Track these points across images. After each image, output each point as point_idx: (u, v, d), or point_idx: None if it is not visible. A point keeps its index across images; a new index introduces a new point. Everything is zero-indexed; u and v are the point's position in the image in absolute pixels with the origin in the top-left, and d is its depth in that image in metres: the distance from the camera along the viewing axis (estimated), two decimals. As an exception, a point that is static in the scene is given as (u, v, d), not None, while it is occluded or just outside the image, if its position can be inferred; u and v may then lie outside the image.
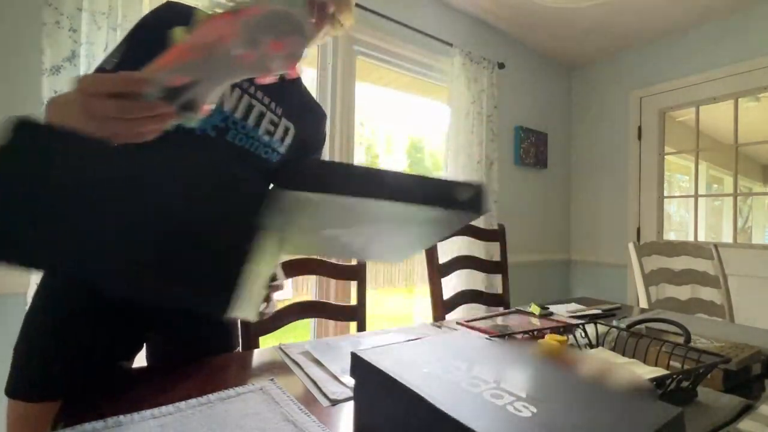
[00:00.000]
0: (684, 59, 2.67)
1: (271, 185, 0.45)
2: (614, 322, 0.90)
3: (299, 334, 4.02)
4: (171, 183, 0.62)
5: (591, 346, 0.77)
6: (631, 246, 1.70)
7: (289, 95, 0.83)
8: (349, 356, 0.77)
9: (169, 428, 0.48)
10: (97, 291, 0.67)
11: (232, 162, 0.75)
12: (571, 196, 3.31)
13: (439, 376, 0.43)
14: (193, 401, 0.55)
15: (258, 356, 0.78)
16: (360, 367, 0.48)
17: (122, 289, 0.63)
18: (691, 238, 2.67)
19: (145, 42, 0.63)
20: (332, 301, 1.44)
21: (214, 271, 0.67)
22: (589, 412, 0.36)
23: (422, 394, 0.38)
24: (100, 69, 0.64)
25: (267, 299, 0.64)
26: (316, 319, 1.93)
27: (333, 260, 1.22)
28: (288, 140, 0.82)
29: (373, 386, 0.46)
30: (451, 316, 1.31)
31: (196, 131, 0.67)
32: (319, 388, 0.62)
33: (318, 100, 2.28)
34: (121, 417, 0.50)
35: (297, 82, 0.87)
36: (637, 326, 0.87)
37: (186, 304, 0.66)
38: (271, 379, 0.64)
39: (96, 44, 1.33)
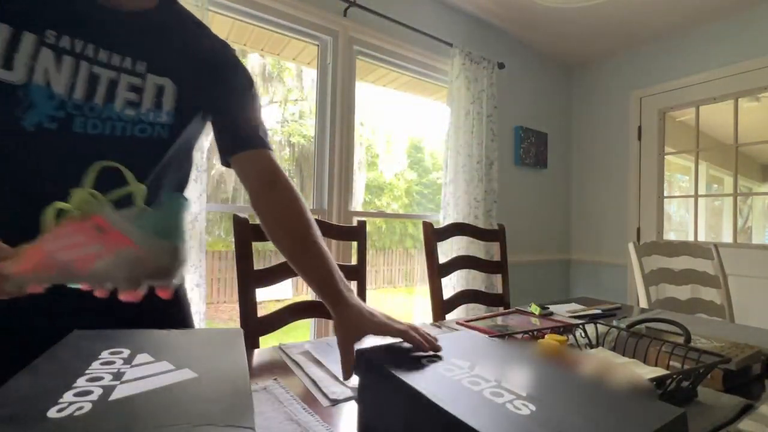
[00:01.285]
0: (684, 59, 2.67)
1: None
2: (614, 322, 0.90)
3: (299, 334, 4.03)
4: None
5: (591, 346, 0.77)
6: (631, 246, 1.70)
7: (157, 38, 0.61)
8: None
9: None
10: None
11: (90, 160, 0.56)
12: (571, 196, 3.31)
13: (441, 374, 0.44)
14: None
15: (258, 356, 0.78)
16: (365, 365, 0.48)
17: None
18: (691, 238, 2.67)
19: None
20: (332, 300, 1.44)
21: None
22: (589, 411, 0.36)
23: (423, 392, 0.38)
24: None
25: None
26: (316, 319, 1.93)
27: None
28: (169, 103, 0.60)
29: (377, 384, 0.46)
30: (451, 316, 1.31)
31: (27, 128, 0.51)
32: (320, 388, 0.62)
33: (318, 100, 2.27)
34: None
35: (172, 16, 0.64)
36: (638, 326, 0.87)
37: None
38: (275, 379, 0.64)
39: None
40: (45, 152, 0.53)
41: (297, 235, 0.65)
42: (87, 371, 0.38)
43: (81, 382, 0.35)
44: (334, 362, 0.73)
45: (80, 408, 0.31)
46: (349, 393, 0.60)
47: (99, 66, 0.55)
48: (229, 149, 0.69)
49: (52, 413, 0.29)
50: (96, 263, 0.36)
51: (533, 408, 0.36)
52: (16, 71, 0.50)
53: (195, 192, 1.51)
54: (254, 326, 0.98)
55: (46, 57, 0.52)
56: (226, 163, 0.71)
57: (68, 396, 0.32)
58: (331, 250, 2.00)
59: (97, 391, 0.34)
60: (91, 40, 0.55)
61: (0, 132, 0.52)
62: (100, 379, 0.36)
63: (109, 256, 0.36)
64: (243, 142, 0.69)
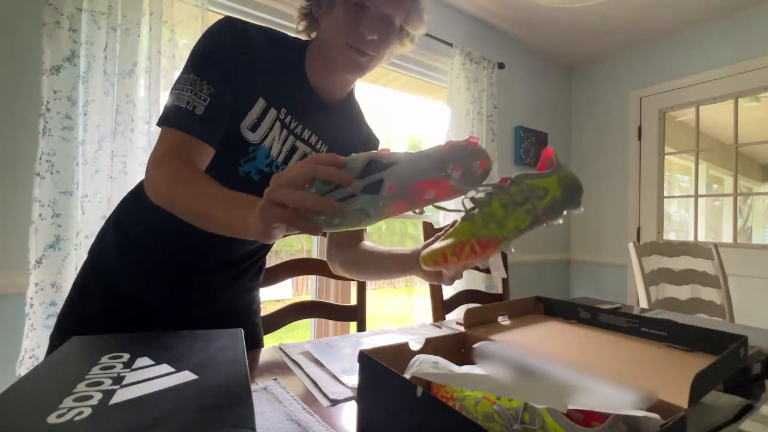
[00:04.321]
0: (684, 59, 2.67)
1: None
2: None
3: (299, 334, 4.03)
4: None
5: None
6: (631, 246, 1.70)
7: (338, 128, 0.77)
8: (349, 356, 0.77)
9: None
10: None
11: None
12: (571, 196, 3.31)
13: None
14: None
15: (258, 356, 0.78)
16: (367, 366, 0.48)
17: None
18: (691, 238, 2.67)
19: (224, 73, 0.62)
20: (332, 301, 1.44)
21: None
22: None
23: (424, 390, 0.38)
24: (178, 108, 0.59)
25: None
26: (316, 319, 1.93)
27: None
28: None
29: (377, 384, 0.46)
30: (451, 316, 1.31)
31: (240, 172, 0.66)
32: (319, 388, 0.62)
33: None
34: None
35: (350, 112, 0.81)
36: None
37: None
38: (275, 379, 0.64)
39: (96, 44, 1.33)
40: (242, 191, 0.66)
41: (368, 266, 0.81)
42: (87, 376, 0.37)
43: (81, 387, 0.35)
44: (334, 362, 0.73)
45: (80, 413, 0.31)
46: (349, 393, 0.60)
47: (300, 141, 0.71)
48: None
49: (52, 419, 0.29)
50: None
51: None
52: (257, 134, 0.66)
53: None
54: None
55: (276, 129, 0.67)
56: None
57: (68, 401, 0.32)
58: (331, 250, 2.00)
59: (97, 396, 0.34)
60: (301, 121, 0.70)
61: (222, 171, 0.65)
62: (100, 383, 0.36)
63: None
64: None
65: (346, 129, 0.78)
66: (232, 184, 0.64)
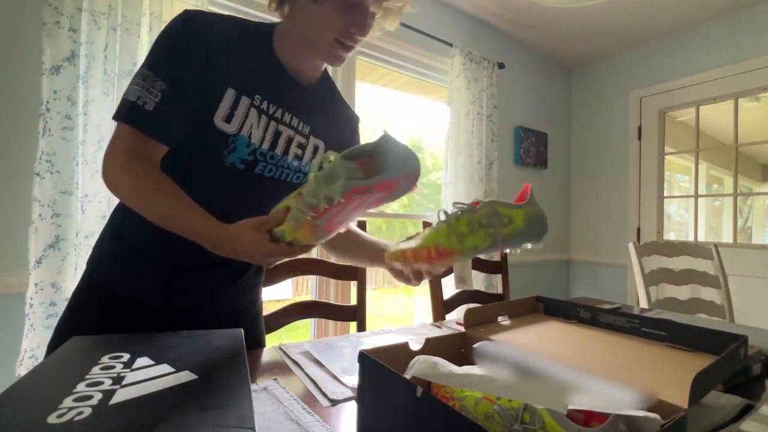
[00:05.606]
0: (684, 59, 2.67)
1: None
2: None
3: (299, 334, 4.03)
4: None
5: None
6: (631, 246, 1.70)
7: (318, 109, 0.78)
8: (349, 356, 0.77)
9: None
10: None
11: (260, 195, 0.72)
12: (571, 196, 3.31)
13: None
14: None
15: (258, 356, 0.78)
16: (367, 366, 0.48)
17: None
18: (691, 238, 2.67)
19: (180, 69, 0.61)
20: (332, 301, 1.44)
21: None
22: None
23: (423, 390, 0.38)
24: (127, 102, 0.59)
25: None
26: (316, 319, 1.93)
27: (333, 260, 1.22)
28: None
29: (377, 384, 0.46)
30: (451, 316, 1.31)
31: (225, 163, 0.66)
32: (319, 389, 0.62)
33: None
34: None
35: (328, 92, 0.82)
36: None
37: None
38: (275, 379, 0.64)
39: (96, 44, 1.33)
40: (230, 183, 0.69)
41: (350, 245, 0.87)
42: (87, 376, 0.37)
43: (81, 387, 0.35)
44: (334, 362, 0.73)
45: (80, 413, 0.31)
46: (349, 393, 0.60)
47: (282, 125, 0.71)
48: None
49: (52, 419, 0.29)
50: (384, 201, 0.56)
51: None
52: (232, 125, 0.65)
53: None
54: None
55: (253, 116, 0.67)
56: None
57: (68, 401, 0.32)
58: (331, 250, 1.99)
59: (97, 396, 0.34)
60: (280, 105, 0.70)
61: (207, 163, 0.67)
62: (100, 383, 0.36)
63: (388, 194, 0.54)
64: None
65: (325, 110, 0.80)
66: (219, 175, 0.68)
